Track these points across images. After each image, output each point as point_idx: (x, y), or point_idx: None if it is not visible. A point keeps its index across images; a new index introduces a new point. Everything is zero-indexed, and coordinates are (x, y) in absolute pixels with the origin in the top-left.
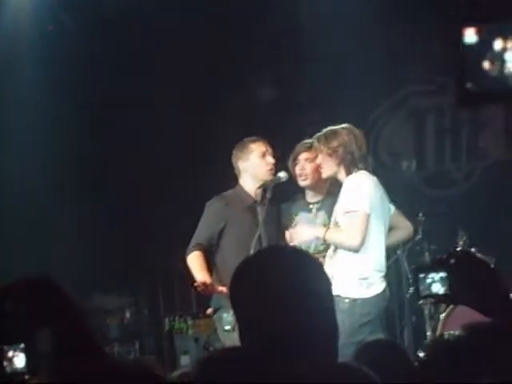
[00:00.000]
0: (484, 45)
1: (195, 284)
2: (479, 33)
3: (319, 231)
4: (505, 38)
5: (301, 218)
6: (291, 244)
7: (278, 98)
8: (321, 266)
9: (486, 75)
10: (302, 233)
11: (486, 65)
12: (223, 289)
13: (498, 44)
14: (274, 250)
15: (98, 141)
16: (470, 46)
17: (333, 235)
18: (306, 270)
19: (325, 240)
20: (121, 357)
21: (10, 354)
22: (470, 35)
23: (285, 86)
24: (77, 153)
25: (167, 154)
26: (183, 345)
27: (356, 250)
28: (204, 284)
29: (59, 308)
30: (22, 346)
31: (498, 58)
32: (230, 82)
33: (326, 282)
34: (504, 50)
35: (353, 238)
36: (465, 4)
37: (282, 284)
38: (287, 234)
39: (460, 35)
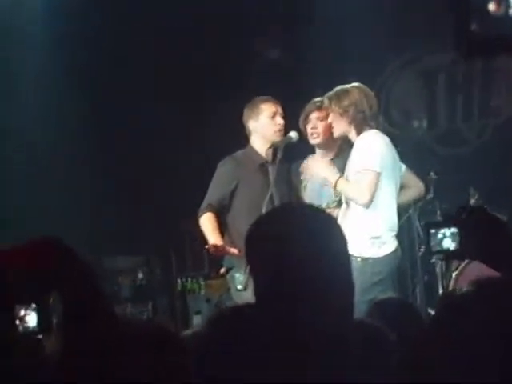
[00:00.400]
0: None
1: (207, 246)
2: None
3: (332, 176)
4: None
5: (309, 178)
6: (303, 176)
7: (286, 59)
8: (336, 222)
9: (491, 17)
10: (316, 166)
11: (492, 6)
12: (235, 251)
13: None
14: (287, 208)
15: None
16: None
17: (344, 185)
18: (319, 226)
19: (335, 187)
20: (133, 317)
21: (22, 312)
22: None
23: (293, 48)
24: (86, 114)
25: (180, 111)
26: (195, 305)
27: (365, 206)
28: (215, 246)
29: (70, 269)
30: (34, 305)
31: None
32: (242, 48)
33: (341, 239)
34: None
35: (362, 194)
36: None
37: (296, 241)
38: (302, 165)
39: None
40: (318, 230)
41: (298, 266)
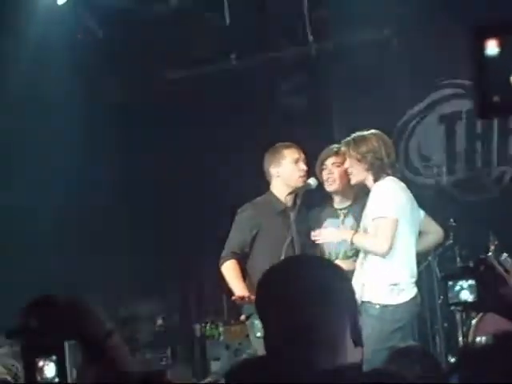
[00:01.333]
0: (508, 57)
1: (233, 298)
2: (501, 45)
3: (346, 234)
4: None
5: (328, 224)
6: (317, 243)
7: (305, 106)
8: (346, 276)
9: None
10: (328, 234)
11: None
12: None
13: None
14: (299, 259)
15: (124, 150)
16: (493, 58)
17: (360, 239)
18: (330, 280)
19: (352, 243)
20: (150, 365)
21: (41, 363)
22: (492, 47)
23: (313, 94)
24: (105, 160)
25: (201, 158)
26: (214, 351)
27: (383, 256)
28: (242, 298)
29: (86, 324)
30: (54, 357)
31: None
32: (260, 90)
33: (350, 293)
34: None
35: (380, 243)
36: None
37: (306, 294)
38: (313, 234)
39: (482, 47)
40: (328, 284)
41: (305, 318)
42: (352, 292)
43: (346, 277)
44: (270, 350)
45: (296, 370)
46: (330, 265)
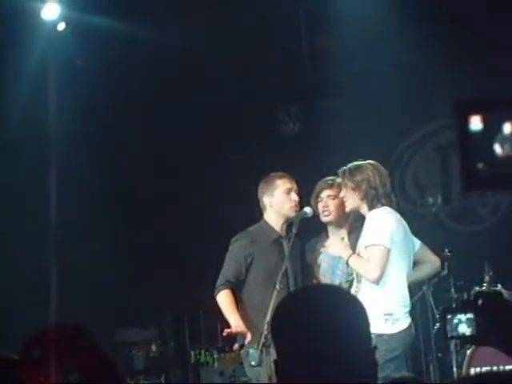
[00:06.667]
0: (492, 129)
1: (224, 334)
2: (484, 120)
3: (345, 252)
4: None
5: (324, 256)
6: (321, 252)
7: (301, 134)
8: (361, 303)
9: (496, 157)
10: (332, 243)
11: (497, 148)
12: (248, 338)
13: (506, 128)
14: (314, 288)
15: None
16: (477, 132)
17: (355, 262)
18: (347, 307)
19: (347, 263)
20: None
21: None
22: (476, 123)
23: (309, 122)
24: (93, 189)
25: (191, 184)
26: (209, 378)
27: (375, 283)
28: (230, 334)
29: (87, 355)
30: None
31: (508, 142)
32: (254, 116)
33: (366, 320)
34: None
35: (371, 271)
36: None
37: (324, 322)
38: (319, 244)
39: (466, 122)
40: (346, 313)
41: (323, 348)
42: (368, 322)
43: (362, 306)
44: (283, 374)
45: None
46: (350, 294)
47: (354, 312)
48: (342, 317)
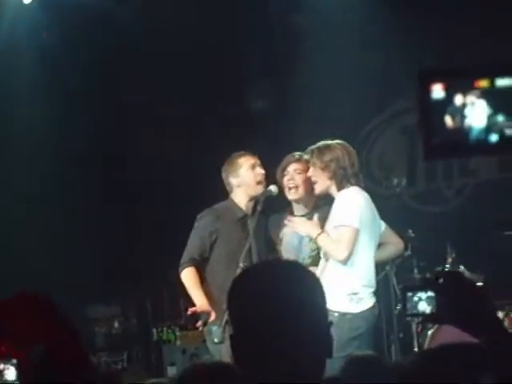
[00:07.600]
0: (447, 100)
1: (188, 313)
2: (446, 89)
3: (314, 230)
4: (464, 94)
5: (287, 231)
6: (282, 230)
7: (268, 112)
8: (318, 280)
9: (448, 129)
10: (298, 222)
11: (448, 120)
12: (213, 317)
13: (458, 99)
14: (272, 263)
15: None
16: (437, 102)
17: (325, 240)
18: (303, 283)
19: (316, 241)
20: (108, 367)
21: (1, 366)
22: (438, 91)
23: (276, 100)
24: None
25: (163, 164)
26: (171, 356)
27: (342, 263)
28: (195, 313)
29: (55, 325)
30: (14, 361)
31: (458, 113)
32: (226, 94)
33: (323, 297)
34: (463, 105)
35: (340, 251)
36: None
37: (279, 297)
38: (283, 220)
39: (427, 91)
40: (301, 287)
41: (278, 322)
42: (324, 297)
43: (319, 281)
44: (237, 352)
45: (264, 377)
46: (303, 268)
47: (310, 287)
48: (297, 292)
